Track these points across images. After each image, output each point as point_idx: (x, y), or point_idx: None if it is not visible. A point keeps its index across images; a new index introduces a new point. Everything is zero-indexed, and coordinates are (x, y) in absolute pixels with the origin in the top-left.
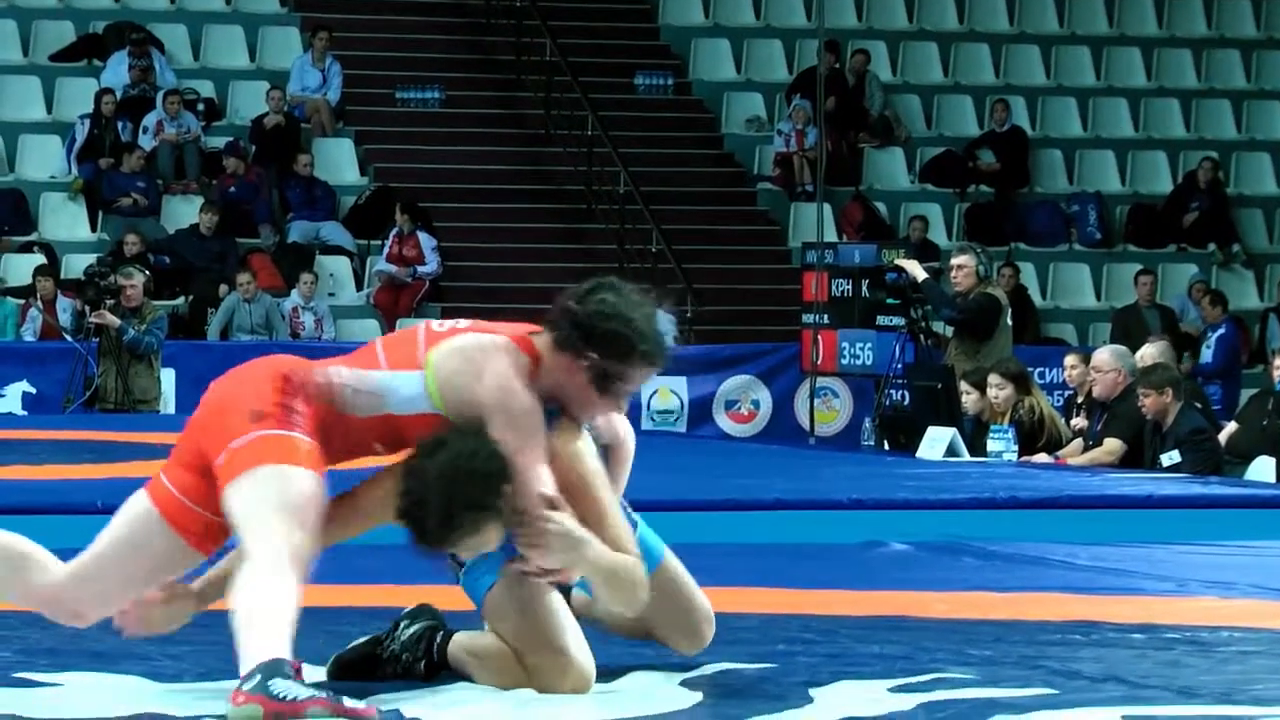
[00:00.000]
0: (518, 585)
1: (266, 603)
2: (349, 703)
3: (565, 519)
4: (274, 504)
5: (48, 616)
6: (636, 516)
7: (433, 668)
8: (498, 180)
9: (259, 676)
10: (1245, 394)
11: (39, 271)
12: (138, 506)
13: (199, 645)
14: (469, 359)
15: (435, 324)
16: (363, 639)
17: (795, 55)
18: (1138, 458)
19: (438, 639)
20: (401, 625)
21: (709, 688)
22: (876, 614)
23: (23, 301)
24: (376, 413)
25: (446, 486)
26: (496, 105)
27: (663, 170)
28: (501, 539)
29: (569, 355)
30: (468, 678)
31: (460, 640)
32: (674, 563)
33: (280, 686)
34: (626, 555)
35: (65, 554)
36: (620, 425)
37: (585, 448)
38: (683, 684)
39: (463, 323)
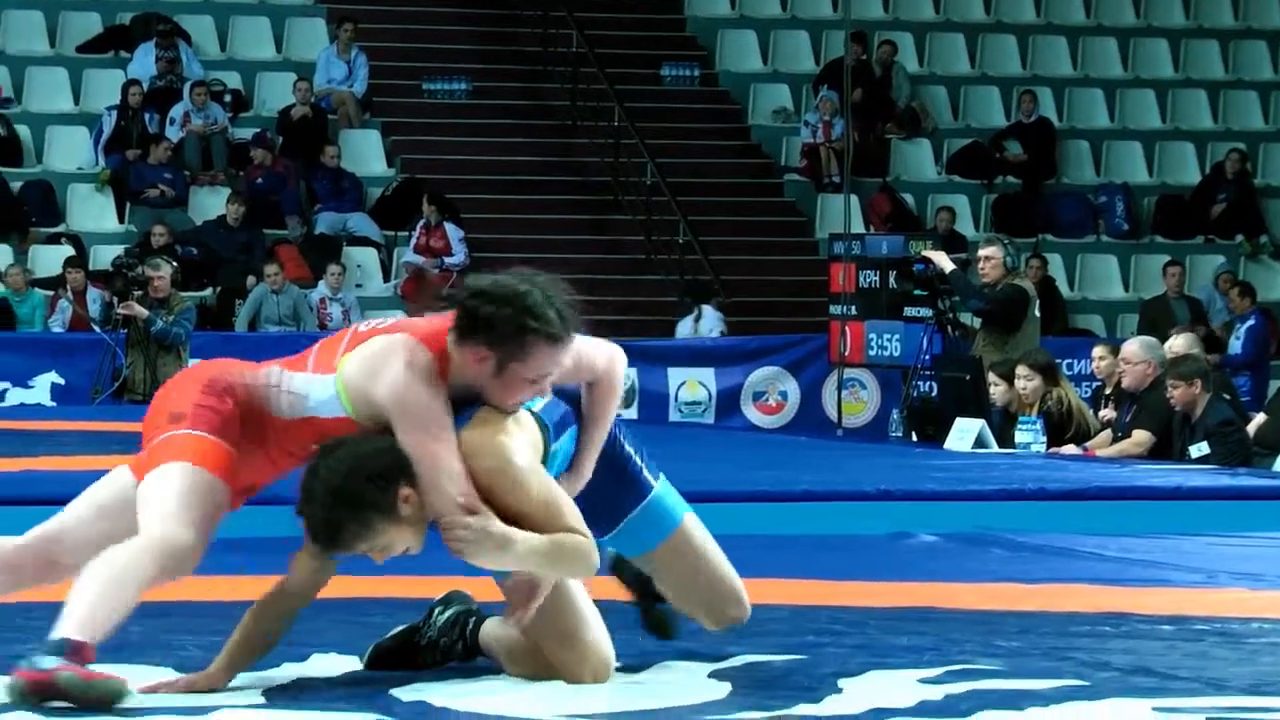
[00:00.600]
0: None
1: (105, 585)
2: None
3: (482, 521)
4: (166, 500)
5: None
6: (657, 479)
7: (468, 651)
8: (524, 171)
9: (41, 652)
10: (1274, 385)
11: (69, 263)
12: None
13: (227, 634)
14: (369, 362)
15: (364, 324)
16: (401, 628)
17: (822, 46)
18: (1166, 449)
19: (470, 623)
20: (435, 611)
21: (738, 679)
22: (905, 605)
23: (52, 293)
24: (300, 415)
25: (333, 486)
26: (523, 96)
27: (689, 161)
28: (417, 541)
29: (468, 348)
30: (499, 665)
31: (489, 628)
32: (692, 530)
33: (46, 662)
34: (565, 534)
35: None
36: (598, 358)
37: (505, 439)
38: (711, 675)
39: (389, 320)
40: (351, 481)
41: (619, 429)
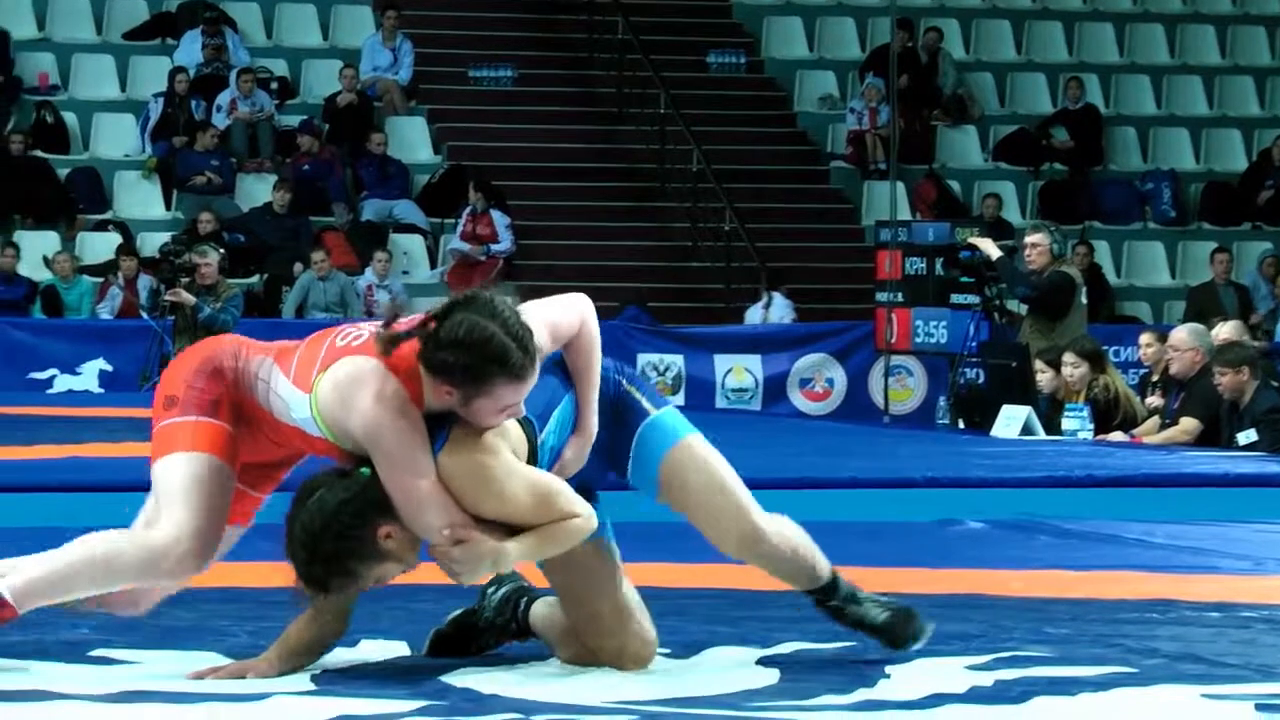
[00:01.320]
0: (578, 558)
1: (69, 564)
2: None
3: (470, 546)
4: (171, 497)
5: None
6: (659, 407)
7: (520, 632)
8: (570, 159)
9: None
10: None
11: (121, 250)
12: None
13: (276, 621)
14: (339, 391)
15: (340, 337)
16: (457, 612)
17: (868, 33)
18: (1214, 436)
19: (522, 603)
20: (488, 592)
21: (786, 666)
22: (952, 592)
23: (102, 279)
24: (287, 421)
25: (308, 543)
26: (569, 84)
27: (735, 149)
28: (412, 563)
29: (434, 385)
30: (549, 646)
31: (539, 609)
32: (695, 446)
33: None
34: (554, 524)
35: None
36: (566, 320)
37: (480, 456)
38: (759, 662)
39: (364, 333)
40: (325, 538)
41: (615, 372)
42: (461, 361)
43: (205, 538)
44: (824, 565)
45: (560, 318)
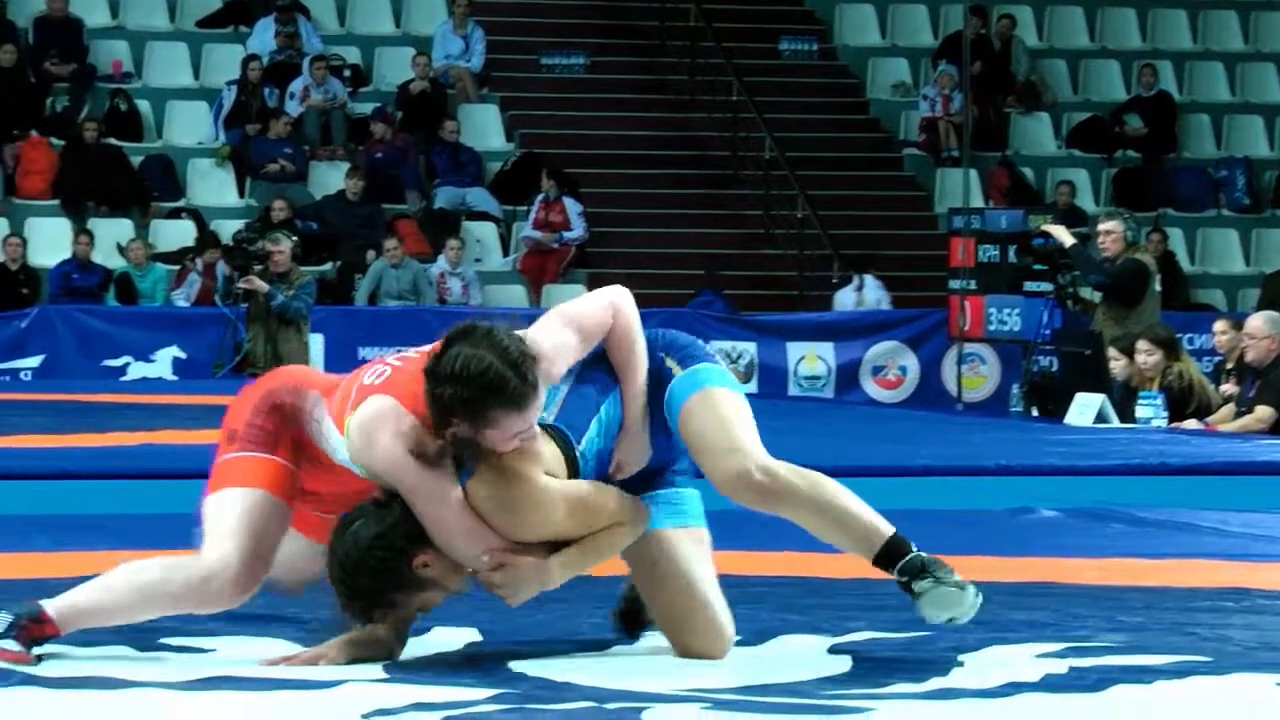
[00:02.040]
0: (651, 548)
1: (119, 589)
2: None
3: (511, 569)
4: (219, 531)
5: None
6: (678, 368)
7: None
8: (643, 146)
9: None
10: None
11: (202, 238)
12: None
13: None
14: (363, 433)
15: (369, 374)
16: (626, 586)
17: (941, 20)
18: None
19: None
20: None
21: (858, 654)
22: (1025, 580)
23: (179, 267)
24: (335, 461)
25: (345, 579)
26: (641, 71)
27: (808, 136)
28: (458, 587)
29: (439, 419)
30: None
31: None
32: (714, 394)
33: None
34: (598, 535)
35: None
36: (596, 318)
37: (509, 483)
38: (831, 650)
39: (388, 369)
40: (360, 573)
41: (658, 345)
42: (460, 395)
43: (250, 568)
44: (880, 529)
45: (588, 316)
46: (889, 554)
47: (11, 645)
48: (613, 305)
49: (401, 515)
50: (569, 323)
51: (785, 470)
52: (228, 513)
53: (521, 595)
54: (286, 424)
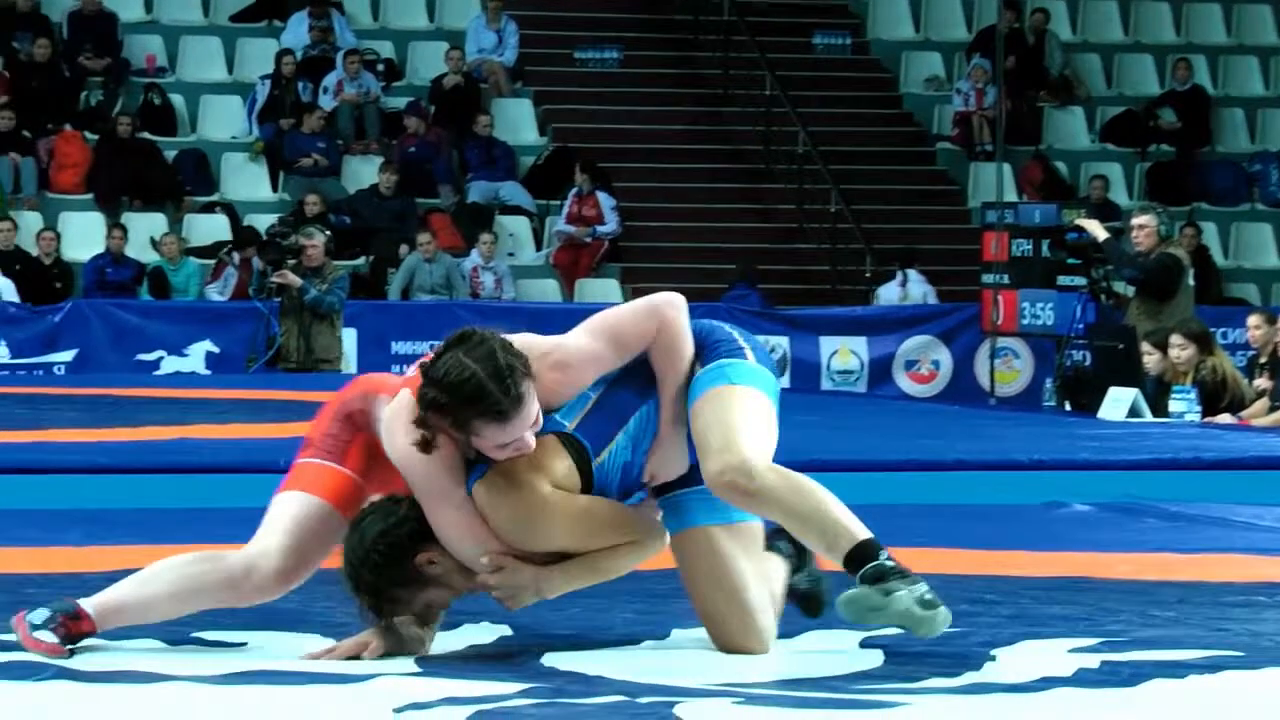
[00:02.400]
0: (690, 546)
1: (159, 585)
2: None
3: (509, 575)
4: (271, 528)
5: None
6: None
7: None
8: (676, 140)
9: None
10: None
11: (239, 234)
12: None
13: None
14: (385, 427)
15: (412, 368)
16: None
17: (974, 14)
18: None
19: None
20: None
21: (890, 648)
22: (1058, 575)
23: (214, 261)
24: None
25: (351, 576)
26: (674, 65)
27: (841, 130)
28: (467, 586)
29: (433, 420)
30: None
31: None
32: (719, 394)
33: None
34: (599, 554)
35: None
36: (638, 327)
37: (514, 489)
38: (863, 644)
39: (414, 367)
40: (364, 569)
41: (695, 340)
42: (442, 402)
43: (289, 565)
44: (853, 533)
45: (629, 326)
46: (855, 558)
47: (48, 637)
48: (658, 315)
49: (409, 512)
50: (605, 331)
51: (768, 472)
52: (281, 513)
53: (518, 601)
54: (358, 431)
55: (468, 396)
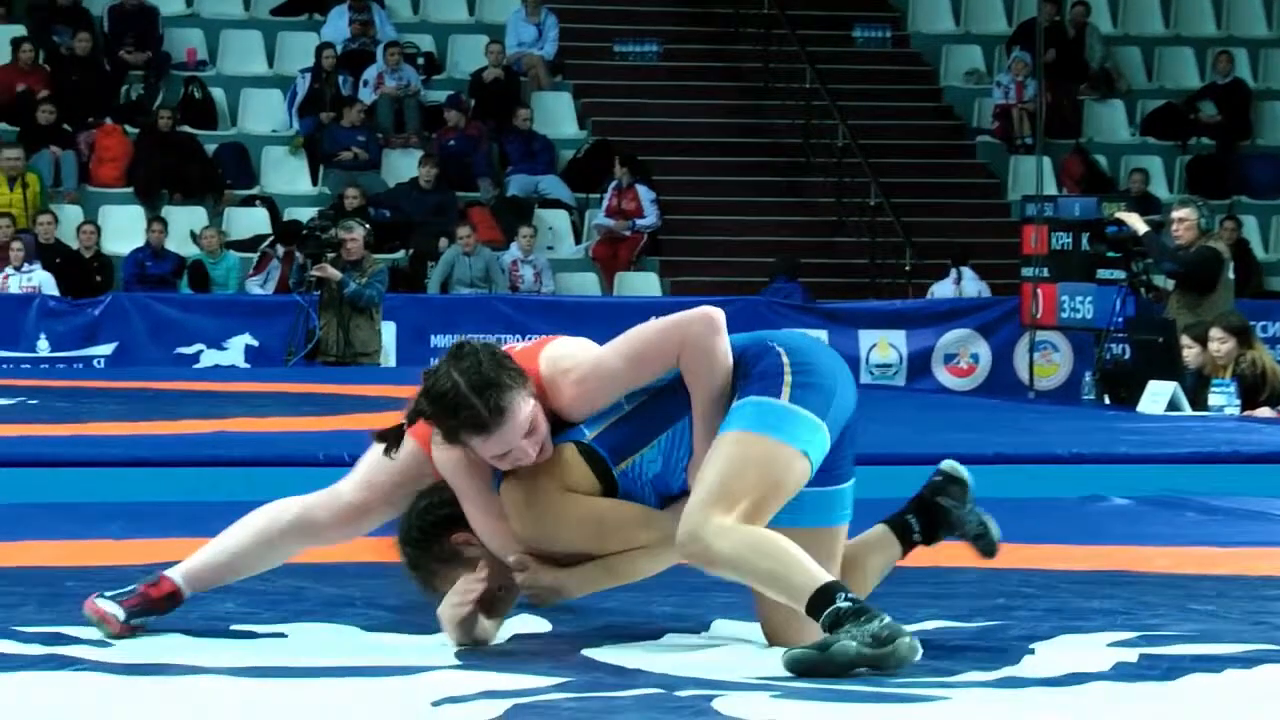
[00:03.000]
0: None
1: (234, 530)
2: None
3: (530, 578)
4: (356, 465)
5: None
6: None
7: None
8: (716, 133)
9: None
10: None
11: (282, 226)
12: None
13: (419, 594)
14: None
15: None
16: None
17: (1014, 7)
18: None
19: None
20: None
21: (929, 642)
22: (1097, 568)
23: (256, 255)
24: None
25: (397, 543)
26: (714, 58)
27: (881, 123)
28: (492, 580)
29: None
30: None
31: None
32: (725, 441)
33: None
34: (614, 558)
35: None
36: (657, 344)
37: (527, 495)
38: None
39: None
40: (405, 543)
41: (755, 366)
42: (428, 412)
43: (360, 499)
44: (810, 583)
45: (649, 346)
46: (814, 604)
47: (108, 605)
48: (680, 335)
49: (451, 495)
50: (627, 350)
51: (719, 540)
52: (365, 455)
53: (543, 600)
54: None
55: (448, 409)
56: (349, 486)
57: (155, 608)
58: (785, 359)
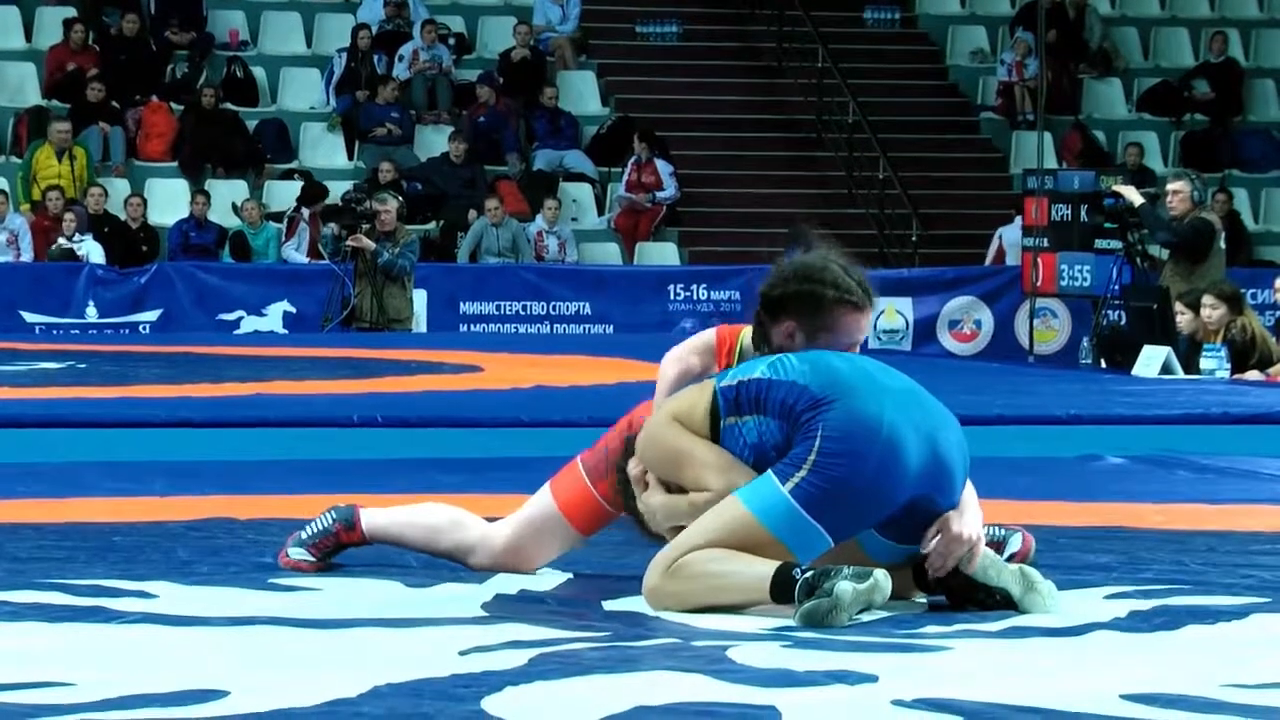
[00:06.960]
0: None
1: (415, 519)
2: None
3: (646, 493)
4: (519, 511)
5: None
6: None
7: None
8: (732, 110)
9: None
10: None
11: (307, 188)
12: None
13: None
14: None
15: None
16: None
17: None
18: None
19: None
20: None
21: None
22: (1094, 524)
23: (288, 221)
24: None
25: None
26: (731, 39)
27: (890, 101)
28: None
29: (778, 326)
30: None
31: None
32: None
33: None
34: (696, 493)
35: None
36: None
37: (659, 416)
38: None
39: None
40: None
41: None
42: (805, 291)
43: (506, 559)
44: (764, 576)
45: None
46: (779, 589)
47: (304, 555)
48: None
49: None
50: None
51: (667, 584)
52: (530, 507)
53: (653, 523)
54: (626, 458)
55: (829, 281)
56: (502, 545)
57: (348, 546)
58: (818, 442)
